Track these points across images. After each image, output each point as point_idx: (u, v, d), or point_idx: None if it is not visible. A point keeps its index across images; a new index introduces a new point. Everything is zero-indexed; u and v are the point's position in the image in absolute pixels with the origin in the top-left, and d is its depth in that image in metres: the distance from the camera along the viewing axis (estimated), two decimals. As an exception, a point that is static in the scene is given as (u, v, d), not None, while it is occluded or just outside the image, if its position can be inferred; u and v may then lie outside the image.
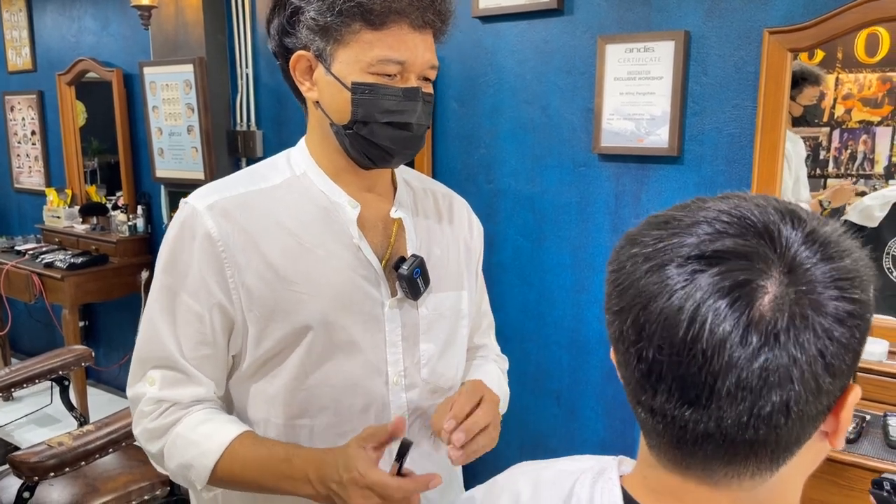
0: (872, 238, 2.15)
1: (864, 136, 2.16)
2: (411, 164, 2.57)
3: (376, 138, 1.03)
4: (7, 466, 1.91)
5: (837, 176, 2.22)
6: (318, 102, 1.07)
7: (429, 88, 1.06)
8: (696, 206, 0.58)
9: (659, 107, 2.18)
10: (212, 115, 3.32)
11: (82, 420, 2.62)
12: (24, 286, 3.78)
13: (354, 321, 1.07)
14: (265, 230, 1.05)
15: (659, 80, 2.17)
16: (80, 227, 4.06)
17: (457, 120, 2.67)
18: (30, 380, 2.40)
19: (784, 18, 1.97)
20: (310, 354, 1.06)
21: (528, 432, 2.62)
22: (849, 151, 2.20)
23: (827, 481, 1.61)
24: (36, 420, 3.82)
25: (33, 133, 4.48)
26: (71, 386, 2.63)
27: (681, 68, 2.13)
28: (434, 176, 2.67)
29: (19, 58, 4.47)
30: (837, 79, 2.17)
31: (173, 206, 3.60)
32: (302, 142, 1.15)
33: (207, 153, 3.35)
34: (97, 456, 1.95)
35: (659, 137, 2.20)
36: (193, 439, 1.02)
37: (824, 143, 2.23)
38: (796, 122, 2.19)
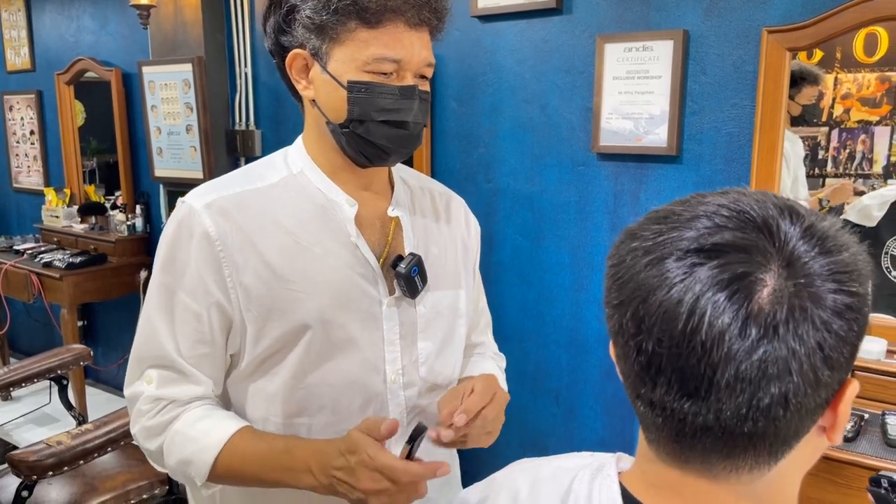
0: (871, 237, 2.15)
1: (862, 136, 2.17)
2: (410, 164, 2.57)
3: (373, 137, 1.03)
4: (6, 465, 1.91)
5: (836, 175, 2.23)
6: (314, 101, 1.07)
7: (425, 86, 1.06)
8: (696, 200, 0.58)
9: (658, 106, 2.19)
10: (210, 115, 3.32)
11: (81, 419, 2.61)
12: (23, 286, 3.78)
13: (352, 319, 1.07)
14: (262, 229, 1.05)
15: (658, 79, 2.17)
16: (78, 227, 4.06)
17: (456, 119, 2.67)
18: (28, 379, 2.40)
19: (782, 17, 1.97)
20: (308, 353, 1.06)
21: (527, 431, 2.62)
22: (847, 151, 2.20)
23: (825, 480, 1.62)
24: (34, 420, 3.82)
25: (32, 133, 4.48)
26: (69, 385, 2.63)
27: (679, 67, 2.13)
28: (433, 175, 2.67)
29: (18, 57, 4.47)
30: (836, 78, 2.17)
31: (172, 206, 3.59)
32: (299, 140, 1.15)
33: (206, 152, 3.35)
34: (96, 455, 1.95)
35: (658, 136, 2.20)
36: (192, 435, 1.02)
37: (823, 143, 2.23)
38: (795, 121, 2.20)
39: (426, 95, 1.06)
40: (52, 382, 2.53)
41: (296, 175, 1.11)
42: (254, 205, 1.06)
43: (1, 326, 4.17)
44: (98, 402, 3.97)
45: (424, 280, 1.11)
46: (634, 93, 2.22)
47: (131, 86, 3.80)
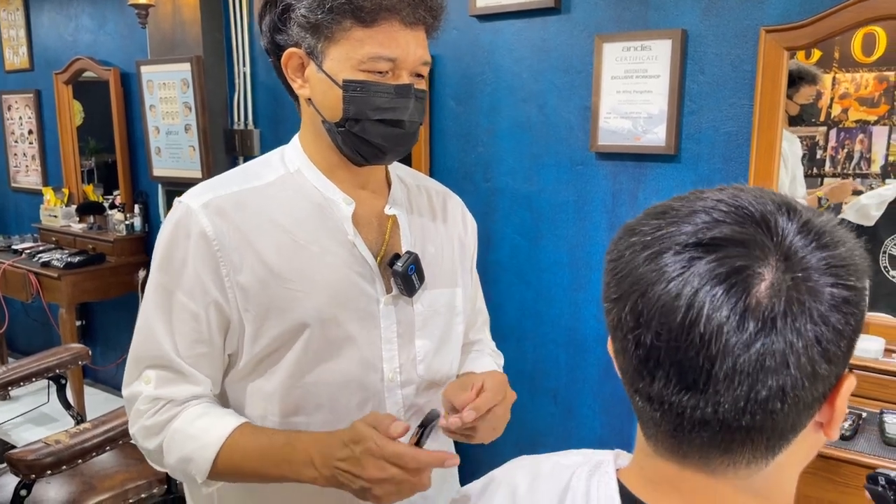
0: (869, 237, 2.15)
1: (860, 136, 2.17)
2: (409, 163, 2.57)
3: (368, 135, 1.03)
4: (4, 464, 1.91)
5: (834, 175, 2.23)
6: (310, 100, 1.07)
7: (421, 85, 1.06)
8: (694, 196, 0.59)
9: (656, 105, 2.19)
10: (209, 114, 3.32)
11: (79, 419, 2.61)
12: (21, 285, 3.77)
13: (350, 318, 1.07)
14: (259, 228, 1.05)
15: (656, 78, 2.18)
16: (76, 227, 4.06)
17: (454, 118, 2.67)
18: (26, 378, 2.40)
19: (780, 17, 1.97)
20: (306, 352, 1.06)
21: (526, 430, 2.62)
22: (845, 151, 2.20)
23: (823, 478, 1.62)
24: (33, 419, 3.82)
25: (30, 132, 4.48)
26: (68, 385, 2.63)
27: (678, 67, 2.13)
28: (431, 174, 2.67)
29: (16, 57, 4.47)
30: (834, 78, 2.17)
31: (170, 205, 3.59)
32: (295, 139, 1.15)
33: (205, 152, 3.35)
34: (94, 454, 1.94)
35: (656, 136, 2.20)
36: (192, 433, 1.02)
37: (821, 143, 2.23)
38: (793, 121, 2.20)
39: (422, 94, 1.06)
40: (51, 382, 2.53)
41: (293, 174, 1.11)
42: (251, 204, 1.06)
43: (-1, 326, 4.17)
44: (96, 401, 3.96)
45: (421, 278, 1.11)
46: (633, 92, 2.22)
47: (130, 85, 3.79)
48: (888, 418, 1.70)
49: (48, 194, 4.19)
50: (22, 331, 4.72)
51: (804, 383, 0.52)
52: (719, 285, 0.52)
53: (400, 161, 1.24)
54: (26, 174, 4.59)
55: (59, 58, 4.11)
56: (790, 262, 0.53)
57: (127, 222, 3.86)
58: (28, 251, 3.98)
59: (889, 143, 2.13)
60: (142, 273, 3.80)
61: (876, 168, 2.17)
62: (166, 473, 2.14)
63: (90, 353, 2.60)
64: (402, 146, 1.07)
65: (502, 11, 2.47)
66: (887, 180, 2.17)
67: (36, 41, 4.34)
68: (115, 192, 4.05)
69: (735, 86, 2.08)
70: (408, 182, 1.22)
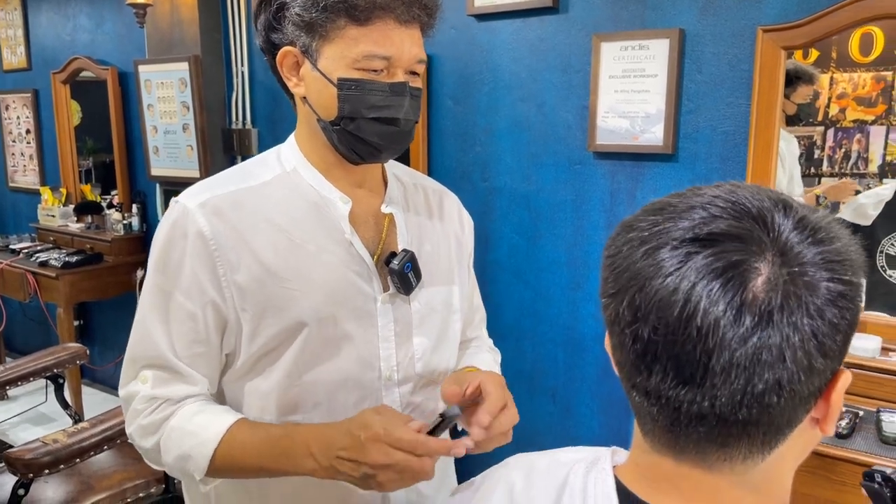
0: (866, 236, 2.16)
1: (858, 136, 2.17)
2: (407, 162, 2.57)
3: (363, 134, 1.03)
4: (2, 464, 1.91)
5: (832, 175, 2.23)
6: (305, 98, 1.07)
7: (417, 83, 1.06)
8: (692, 192, 0.59)
9: (654, 105, 2.19)
10: (207, 114, 3.32)
11: (77, 418, 2.61)
12: (19, 285, 3.77)
13: (347, 316, 1.07)
14: (256, 228, 1.05)
15: (654, 77, 2.18)
16: (74, 226, 4.05)
17: (452, 118, 2.67)
18: (24, 378, 2.40)
19: (778, 16, 1.98)
20: (303, 351, 1.06)
21: (524, 429, 2.60)
22: (843, 150, 2.20)
23: (820, 476, 1.62)
24: (30, 419, 3.82)
25: (28, 132, 4.47)
26: (66, 384, 2.62)
27: (675, 66, 2.14)
28: (429, 174, 2.67)
29: (14, 56, 4.46)
30: (832, 78, 2.17)
31: (168, 205, 3.59)
32: (291, 138, 1.15)
33: (202, 151, 3.35)
34: (92, 453, 1.94)
35: (654, 135, 2.20)
36: (190, 430, 1.02)
37: (819, 143, 2.24)
38: (790, 120, 2.20)
39: (417, 92, 1.06)
40: (49, 381, 2.53)
41: (289, 173, 1.11)
42: (247, 203, 1.06)
43: (-3, 326, 4.16)
44: (94, 401, 3.96)
45: (418, 276, 1.12)
46: (631, 91, 2.23)
47: (127, 85, 3.79)
48: (885, 417, 1.71)
49: (46, 194, 4.19)
50: (20, 330, 4.71)
51: (800, 377, 0.53)
52: (716, 280, 0.52)
53: (398, 160, 1.24)
54: (24, 174, 4.59)
55: (57, 57, 4.11)
56: (786, 256, 0.53)
57: (125, 222, 3.86)
58: (26, 251, 3.98)
59: (886, 143, 2.13)
60: (140, 273, 3.79)
61: (873, 168, 2.17)
62: (164, 473, 2.14)
63: (88, 352, 2.59)
64: (397, 144, 1.07)
65: (500, 11, 2.47)
66: (885, 180, 2.17)
67: (34, 41, 4.34)
68: (113, 192, 4.05)
69: (732, 85, 2.08)
70: (404, 180, 1.22)
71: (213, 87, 3.33)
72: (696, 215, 0.56)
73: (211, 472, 1.03)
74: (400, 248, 1.12)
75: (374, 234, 1.12)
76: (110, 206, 4.03)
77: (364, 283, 1.09)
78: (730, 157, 2.11)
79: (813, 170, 2.25)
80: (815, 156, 2.24)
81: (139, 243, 3.88)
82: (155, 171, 3.61)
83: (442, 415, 0.94)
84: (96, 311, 4.35)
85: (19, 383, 2.40)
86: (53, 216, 4.13)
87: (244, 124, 3.34)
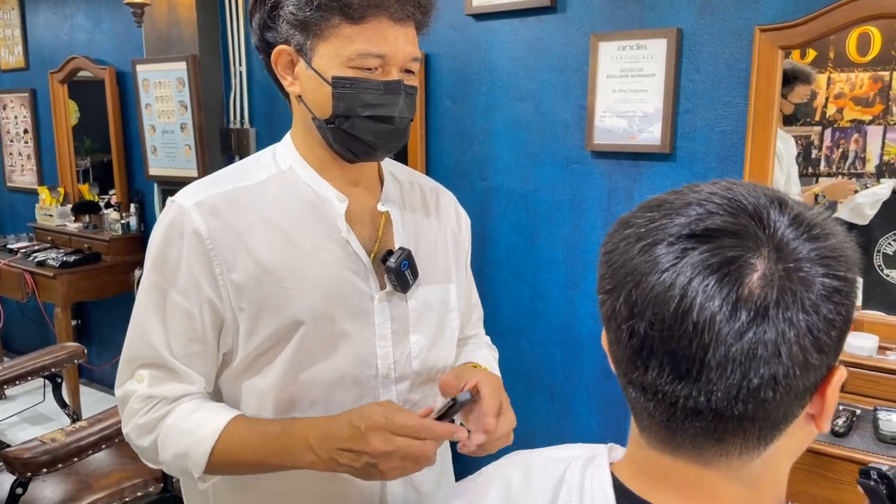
0: (864, 236, 2.16)
1: (855, 135, 2.18)
2: (404, 162, 2.57)
3: (358, 132, 1.03)
4: (0, 463, 1.91)
5: (829, 174, 2.24)
6: (300, 97, 1.07)
7: (411, 81, 1.06)
8: (688, 189, 0.60)
9: (651, 104, 2.19)
10: (205, 113, 3.32)
11: (75, 418, 2.61)
12: (17, 284, 3.77)
13: (344, 315, 1.07)
14: (253, 227, 1.05)
15: (651, 77, 2.18)
16: (72, 226, 4.05)
17: (450, 117, 2.67)
18: (22, 377, 2.39)
19: (775, 16, 1.98)
20: (300, 349, 1.06)
21: (522, 429, 2.60)
22: (840, 150, 2.21)
23: (817, 475, 1.62)
24: (28, 419, 3.81)
25: (26, 131, 4.47)
26: (63, 384, 2.62)
27: (673, 66, 2.14)
28: (428, 173, 2.67)
29: (12, 56, 4.46)
30: (829, 78, 2.18)
31: (166, 205, 3.59)
32: (287, 136, 1.15)
33: (200, 151, 3.35)
34: (90, 452, 1.94)
35: (651, 135, 2.21)
36: (187, 428, 1.02)
37: (816, 142, 2.24)
38: (788, 120, 2.21)
39: (412, 90, 1.06)
40: (47, 381, 2.53)
41: (285, 172, 1.11)
42: (243, 203, 1.06)
43: (-6, 325, 4.16)
44: (92, 401, 3.96)
45: (415, 274, 1.12)
46: (628, 91, 2.23)
47: (125, 84, 3.79)
48: (882, 415, 1.71)
49: (44, 193, 4.19)
50: (17, 330, 4.71)
51: (796, 372, 0.53)
52: (712, 275, 0.52)
53: (396, 160, 1.24)
54: (22, 173, 4.58)
55: (55, 57, 4.10)
56: (782, 252, 0.53)
57: (122, 221, 3.85)
58: (23, 250, 3.97)
59: (884, 143, 2.14)
60: (137, 272, 3.79)
61: (871, 167, 2.18)
62: (162, 472, 2.14)
63: (86, 352, 2.59)
64: (392, 142, 1.07)
65: (498, 10, 2.47)
66: (882, 179, 2.17)
67: (31, 40, 4.33)
68: (111, 192, 4.04)
69: (730, 84, 2.09)
70: (400, 178, 1.22)
71: (211, 87, 3.33)
72: (693, 212, 0.56)
73: (209, 470, 1.03)
74: (396, 246, 1.12)
75: (371, 233, 1.12)
76: (108, 205, 4.02)
77: (361, 282, 1.09)
78: (727, 156, 2.12)
79: (811, 169, 2.26)
80: (813, 155, 2.25)
81: (137, 243, 3.87)
82: (153, 171, 3.61)
83: (454, 399, 0.95)
84: (94, 310, 4.35)
85: (17, 383, 2.40)
86: (51, 216, 4.12)
87: (242, 124, 3.34)
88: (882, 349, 1.91)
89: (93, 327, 4.40)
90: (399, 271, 1.09)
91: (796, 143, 2.25)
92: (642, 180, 2.27)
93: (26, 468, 1.81)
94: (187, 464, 1.02)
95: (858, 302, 2.03)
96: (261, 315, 1.04)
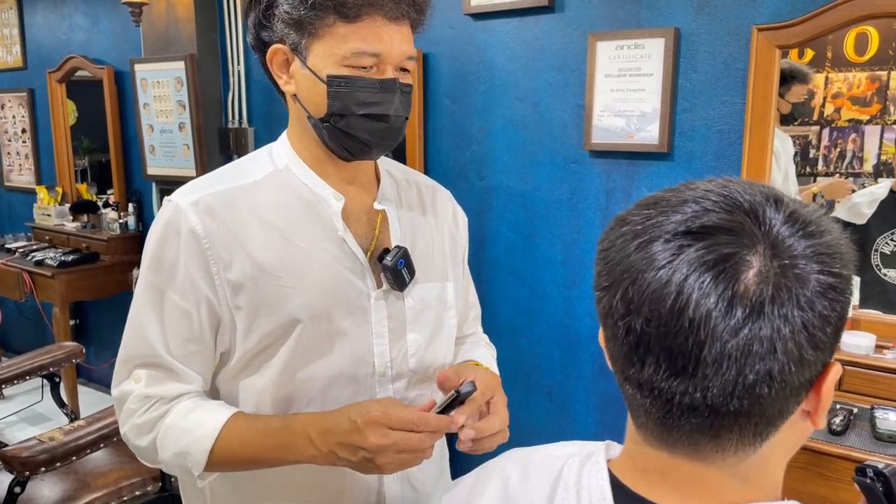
0: (861, 235, 2.16)
1: (853, 135, 2.18)
2: (403, 161, 2.57)
3: (354, 131, 1.03)
4: (-2, 462, 1.91)
5: (827, 174, 2.24)
6: (295, 95, 1.07)
7: (407, 79, 1.06)
8: (685, 187, 0.60)
9: (649, 103, 2.20)
10: (203, 113, 3.32)
11: (73, 417, 2.61)
12: (15, 284, 3.76)
13: (341, 313, 1.07)
14: (249, 226, 1.05)
15: (649, 76, 2.18)
16: (70, 225, 4.05)
17: (449, 117, 2.68)
18: (20, 376, 2.39)
19: (772, 16, 1.98)
20: (297, 347, 1.06)
21: (520, 428, 2.61)
22: (838, 150, 2.21)
23: (814, 473, 1.63)
24: (26, 418, 3.81)
25: (24, 131, 4.46)
26: (62, 383, 2.62)
27: (671, 65, 2.14)
28: (426, 173, 2.67)
29: (10, 55, 4.46)
30: (827, 78, 2.18)
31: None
32: (283, 135, 1.15)
33: (199, 150, 3.34)
34: (88, 451, 1.94)
35: (649, 134, 2.21)
36: (186, 427, 1.02)
37: (814, 142, 2.25)
38: (785, 119, 2.21)
39: (407, 88, 1.06)
40: (45, 380, 2.53)
41: (281, 170, 1.11)
42: (240, 202, 1.06)
43: (-7, 325, 4.16)
44: (90, 401, 3.96)
45: (412, 272, 1.12)
46: (626, 90, 2.23)
47: (123, 84, 3.79)
48: (879, 414, 1.71)
49: (42, 193, 4.18)
50: (15, 330, 4.70)
51: (791, 368, 0.53)
52: (708, 272, 0.53)
53: (394, 159, 1.24)
54: (20, 173, 4.58)
55: (53, 56, 4.10)
56: (777, 249, 0.54)
57: (121, 221, 3.85)
58: (21, 250, 3.97)
59: (881, 142, 2.14)
60: (136, 272, 3.77)
61: (868, 167, 2.18)
62: (160, 471, 2.14)
63: (84, 351, 2.59)
64: (388, 141, 1.07)
65: (496, 10, 2.47)
66: (879, 179, 2.18)
67: (29, 39, 4.33)
68: (109, 191, 4.04)
69: (727, 84, 2.09)
70: (397, 177, 1.22)
71: (209, 86, 3.33)
72: (689, 209, 0.56)
73: (210, 467, 1.03)
74: (393, 244, 1.13)
75: (367, 231, 1.12)
76: (106, 205, 4.02)
77: (357, 280, 1.09)
78: (725, 155, 2.12)
79: (808, 169, 2.26)
80: (811, 155, 2.25)
81: (135, 242, 3.87)
82: (151, 171, 3.61)
83: (457, 391, 0.95)
84: (92, 310, 4.35)
85: (15, 382, 2.39)
86: (49, 215, 4.12)
87: (240, 123, 3.34)
88: (879, 348, 1.91)
89: (91, 327, 4.40)
90: (396, 269, 1.09)
91: (794, 142, 2.25)
92: (640, 179, 2.28)
93: (24, 467, 1.81)
94: (187, 462, 1.03)
95: (855, 300, 2.03)
96: (258, 314, 1.04)
